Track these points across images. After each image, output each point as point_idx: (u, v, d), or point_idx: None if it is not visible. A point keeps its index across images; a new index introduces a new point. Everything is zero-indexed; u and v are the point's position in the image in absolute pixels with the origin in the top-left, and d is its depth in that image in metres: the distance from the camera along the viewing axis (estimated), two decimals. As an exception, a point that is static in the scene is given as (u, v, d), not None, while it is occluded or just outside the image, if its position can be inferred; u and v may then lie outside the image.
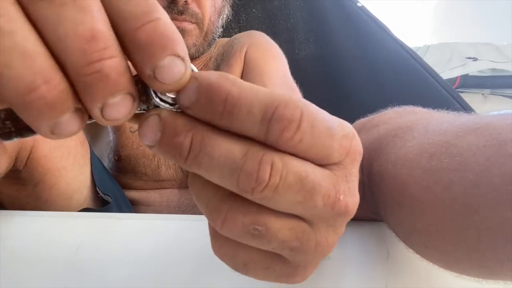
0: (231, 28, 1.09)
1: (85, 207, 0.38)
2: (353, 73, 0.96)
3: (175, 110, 0.14)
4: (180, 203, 0.55)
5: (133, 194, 0.56)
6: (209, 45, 0.61)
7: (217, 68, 0.61)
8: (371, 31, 1.00)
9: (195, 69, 0.15)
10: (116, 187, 0.49)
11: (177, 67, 0.13)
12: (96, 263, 0.24)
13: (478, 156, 0.19)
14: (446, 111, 0.29)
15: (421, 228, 0.22)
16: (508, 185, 0.17)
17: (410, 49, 0.98)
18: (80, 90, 0.12)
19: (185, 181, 0.55)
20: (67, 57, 0.12)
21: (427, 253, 0.23)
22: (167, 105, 0.14)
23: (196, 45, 0.57)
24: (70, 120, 0.12)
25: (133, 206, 0.55)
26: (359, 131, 0.34)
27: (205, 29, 0.57)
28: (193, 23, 0.56)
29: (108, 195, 0.41)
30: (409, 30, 2.56)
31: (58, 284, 0.23)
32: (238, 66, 0.59)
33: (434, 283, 0.26)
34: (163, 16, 0.13)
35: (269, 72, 0.57)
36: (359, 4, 1.02)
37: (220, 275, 0.25)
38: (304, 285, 0.26)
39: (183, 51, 0.13)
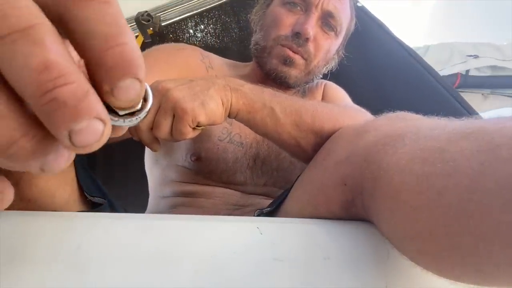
0: (231, 28, 1.09)
1: (76, 210, 0.38)
2: (353, 73, 0.96)
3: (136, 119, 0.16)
4: (237, 203, 0.58)
5: (196, 187, 0.59)
6: (306, 83, 0.69)
7: (303, 97, 0.71)
8: (371, 31, 1.00)
9: (149, 89, 0.16)
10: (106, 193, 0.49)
11: (134, 89, 0.14)
12: (96, 263, 0.24)
13: (472, 161, 0.19)
14: (437, 116, 0.29)
15: (414, 234, 0.22)
16: (503, 189, 0.17)
17: (410, 48, 0.98)
18: (43, 120, 0.13)
19: (249, 188, 0.60)
20: (24, 90, 0.12)
21: (421, 259, 0.23)
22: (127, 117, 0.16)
23: (297, 78, 0.65)
24: (57, 158, 0.14)
25: (190, 198, 0.58)
26: (354, 135, 0.34)
27: (310, 68, 0.65)
28: (304, 59, 0.63)
29: (99, 197, 0.41)
30: (409, 30, 2.56)
31: (58, 284, 0.23)
32: (319, 98, 0.72)
33: (434, 283, 0.26)
34: (130, 40, 0.14)
35: (342, 100, 0.71)
36: (359, 4, 1.02)
37: (220, 275, 0.25)
38: (304, 285, 0.26)
39: (143, 75, 0.14)
